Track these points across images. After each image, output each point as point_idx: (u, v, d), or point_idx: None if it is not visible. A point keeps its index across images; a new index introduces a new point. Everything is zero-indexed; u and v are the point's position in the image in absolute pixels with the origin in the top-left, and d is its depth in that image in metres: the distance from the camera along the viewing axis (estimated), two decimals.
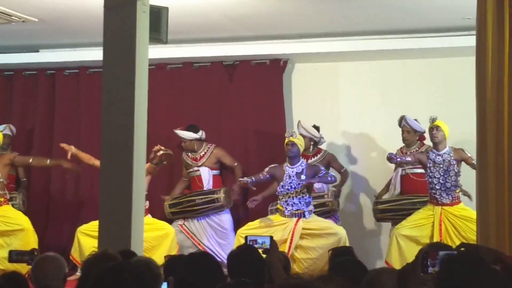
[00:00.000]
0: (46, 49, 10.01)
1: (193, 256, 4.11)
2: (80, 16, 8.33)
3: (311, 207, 8.37)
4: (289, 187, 8.32)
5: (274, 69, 9.69)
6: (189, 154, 9.34)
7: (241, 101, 9.72)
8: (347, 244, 7.83)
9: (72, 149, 8.81)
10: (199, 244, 9.08)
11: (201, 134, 9.30)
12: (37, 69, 10.28)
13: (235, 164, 9.30)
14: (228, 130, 9.70)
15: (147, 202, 8.56)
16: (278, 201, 8.43)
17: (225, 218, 9.15)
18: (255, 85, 9.68)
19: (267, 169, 8.53)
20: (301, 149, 8.52)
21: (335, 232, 8.19)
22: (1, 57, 10.09)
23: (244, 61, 9.72)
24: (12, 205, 9.23)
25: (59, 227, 9.91)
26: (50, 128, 10.19)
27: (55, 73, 10.27)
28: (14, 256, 4.98)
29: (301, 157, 8.53)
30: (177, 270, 3.93)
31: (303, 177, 8.29)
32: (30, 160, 9.26)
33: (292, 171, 8.38)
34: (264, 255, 4.44)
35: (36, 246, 8.52)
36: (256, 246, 4.47)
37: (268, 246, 4.47)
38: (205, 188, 9.19)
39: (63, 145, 8.89)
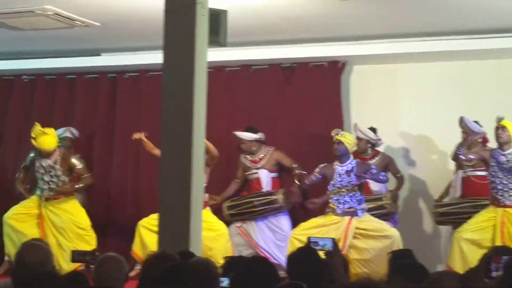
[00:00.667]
0: (107, 53, 10.16)
1: (249, 260, 4.12)
2: (141, 20, 8.43)
3: (363, 205, 8.30)
4: (340, 186, 8.29)
5: (332, 71, 9.65)
6: (248, 156, 9.37)
7: (299, 103, 9.69)
8: (401, 247, 7.77)
9: (142, 136, 9.06)
10: (256, 246, 9.09)
11: (260, 135, 9.33)
12: (98, 73, 10.44)
13: (295, 165, 9.29)
14: (286, 133, 9.69)
15: (206, 195, 8.66)
16: (330, 200, 8.40)
17: (283, 220, 9.15)
18: (313, 87, 9.65)
19: (317, 169, 8.50)
20: (350, 147, 8.45)
21: (389, 235, 8.11)
22: (64, 61, 10.28)
23: (302, 63, 9.70)
24: None
25: (120, 227, 10.02)
26: (111, 131, 10.33)
27: (116, 76, 10.41)
28: (76, 256, 5.08)
29: (351, 156, 8.48)
30: (235, 272, 3.94)
31: (353, 175, 8.27)
32: None
33: (342, 169, 8.34)
34: (324, 257, 4.42)
35: (95, 245, 8.69)
36: (317, 248, 4.46)
37: (330, 248, 4.44)
38: (263, 191, 9.21)
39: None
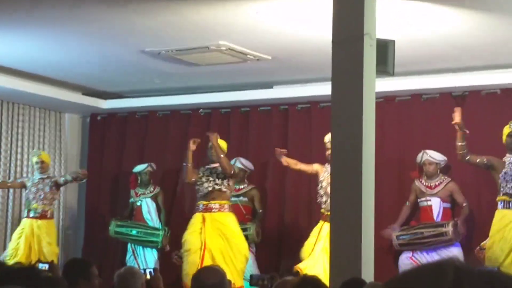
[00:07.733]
0: (279, 85, 10.42)
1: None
2: (311, 53, 8.61)
3: None
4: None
5: (507, 99, 9.38)
6: (423, 181, 9.27)
7: (473, 133, 9.46)
8: None
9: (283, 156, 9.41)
10: None
11: (446, 160, 9.21)
12: (271, 105, 10.71)
13: (464, 204, 9.12)
14: (459, 163, 9.45)
15: None
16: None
17: (456, 251, 8.95)
18: (487, 116, 9.41)
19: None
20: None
21: None
22: (238, 94, 10.64)
23: (474, 91, 9.51)
24: (246, 236, 9.55)
25: (292, 261, 10.15)
26: None
27: (287, 108, 10.63)
28: (254, 280, 5.29)
29: None
30: None
31: None
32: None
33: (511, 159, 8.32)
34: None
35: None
36: None
37: None
38: (435, 220, 9.09)
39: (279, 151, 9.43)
